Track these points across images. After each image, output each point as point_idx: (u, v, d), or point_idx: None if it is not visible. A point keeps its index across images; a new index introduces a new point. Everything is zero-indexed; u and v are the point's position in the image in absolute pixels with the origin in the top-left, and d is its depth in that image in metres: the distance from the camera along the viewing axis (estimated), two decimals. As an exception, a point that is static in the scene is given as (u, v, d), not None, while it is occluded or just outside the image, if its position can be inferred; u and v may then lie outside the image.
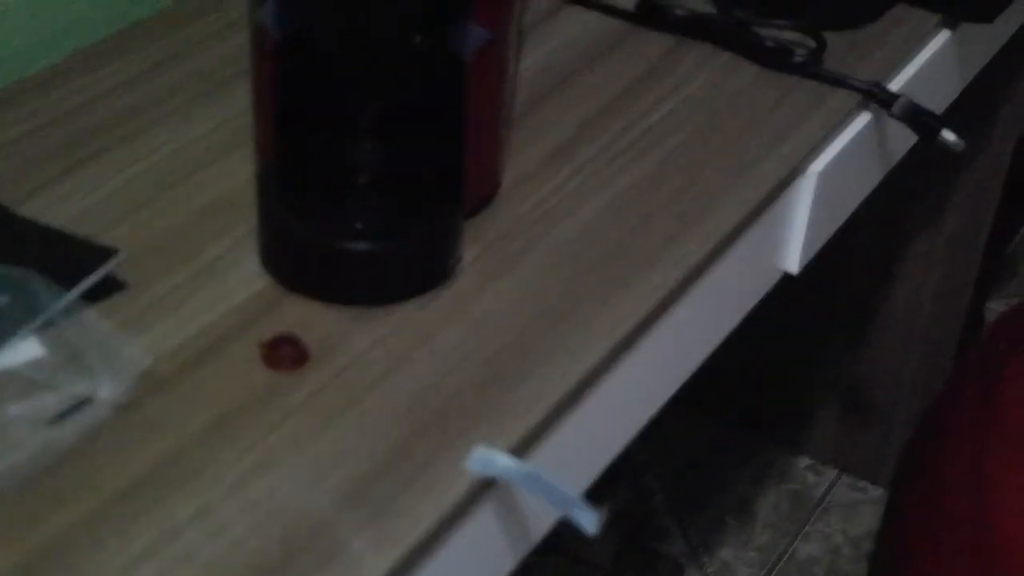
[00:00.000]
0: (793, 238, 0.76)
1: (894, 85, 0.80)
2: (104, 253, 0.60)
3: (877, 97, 0.77)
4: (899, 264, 1.35)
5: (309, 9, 0.60)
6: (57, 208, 0.65)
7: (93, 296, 0.58)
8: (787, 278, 0.78)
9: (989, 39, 0.92)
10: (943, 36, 0.84)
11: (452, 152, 0.64)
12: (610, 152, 0.72)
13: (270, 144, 0.64)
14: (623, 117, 0.74)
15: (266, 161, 0.64)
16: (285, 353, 0.57)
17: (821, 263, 0.90)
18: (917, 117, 0.76)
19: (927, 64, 0.82)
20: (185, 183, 0.67)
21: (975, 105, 1.16)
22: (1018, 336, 1.17)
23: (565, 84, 0.77)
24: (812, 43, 0.79)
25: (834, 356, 1.44)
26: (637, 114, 0.75)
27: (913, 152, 0.85)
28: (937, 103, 0.87)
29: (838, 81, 0.77)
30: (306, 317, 0.60)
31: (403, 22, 0.60)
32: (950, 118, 0.89)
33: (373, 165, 0.63)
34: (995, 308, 1.72)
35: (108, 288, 0.59)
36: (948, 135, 0.75)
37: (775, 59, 0.79)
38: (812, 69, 0.78)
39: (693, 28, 0.81)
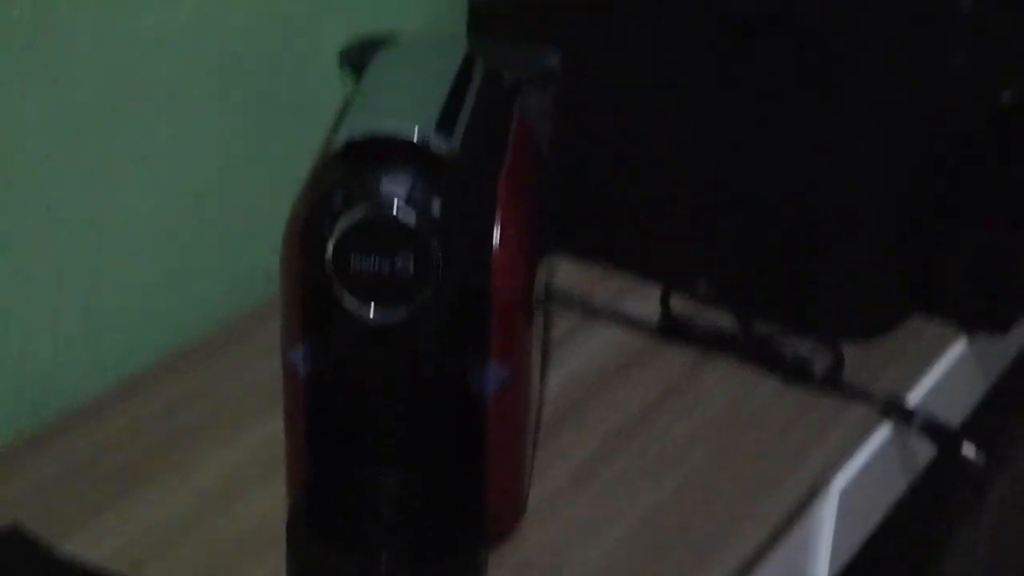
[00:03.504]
0: (819, 553, 0.77)
1: (914, 395, 0.81)
2: (136, 592, 0.62)
3: (896, 412, 0.78)
4: (940, 555, 1.34)
5: (335, 351, 0.64)
6: (99, 542, 0.67)
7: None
8: None
9: (1006, 346, 0.94)
10: (960, 346, 0.86)
11: (475, 485, 0.66)
12: (632, 472, 0.73)
13: (299, 477, 0.66)
14: (645, 434, 0.76)
15: (295, 494, 0.67)
16: None
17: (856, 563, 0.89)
18: (937, 432, 0.77)
19: (946, 374, 0.84)
20: (222, 513, 0.69)
21: (1007, 401, 1.17)
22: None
23: (590, 401, 0.79)
24: (831, 356, 0.81)
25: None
26: (659, 431, 0.77)
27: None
28: (958, 411, 0.88)
29: (857, 394, 0.79)
30: (330, 653, 0.61)
31: (423, 365, 0.64)
32: (979, 419, 0.90)
33: (397, 499, 0.65)
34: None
35: (139, 628, 0.61)
36: (968, 450, 0.76)
37: (795, 373, 0.81)
38: (832, 383, 0.80)
39: (715, 342, 0.84)
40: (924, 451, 0.82)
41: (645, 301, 0.87)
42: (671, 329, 0.85)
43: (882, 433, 0.79)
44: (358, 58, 0.71)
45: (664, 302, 0.84)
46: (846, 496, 0.76)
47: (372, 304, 0.60)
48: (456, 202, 0.59)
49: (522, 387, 0.66)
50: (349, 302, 0.60)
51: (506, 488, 0.68)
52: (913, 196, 0.84)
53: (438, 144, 0.59)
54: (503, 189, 0.63)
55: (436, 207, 0.58)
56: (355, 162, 0.59)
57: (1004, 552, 1.32)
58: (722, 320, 0.84)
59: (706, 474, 0.73)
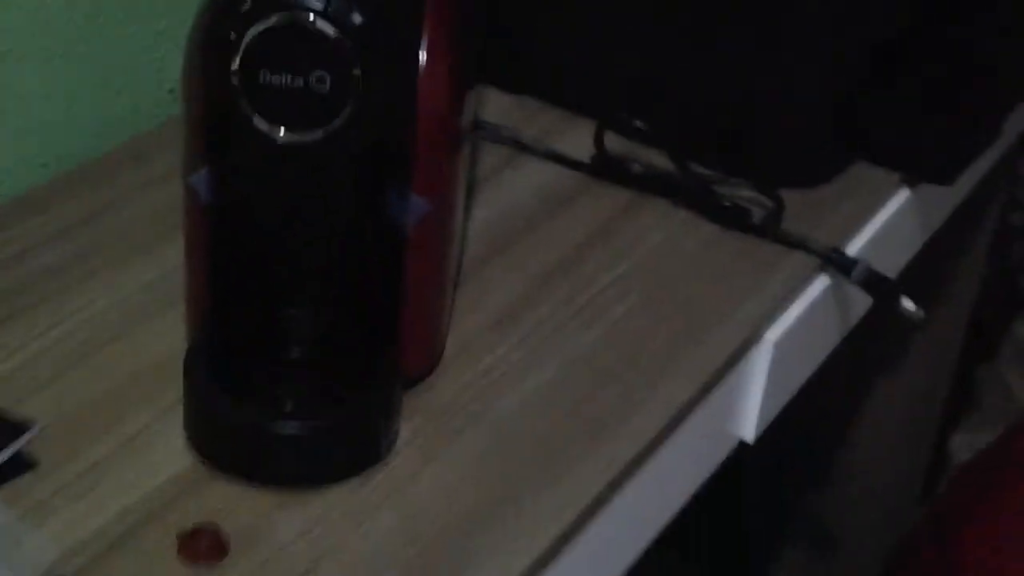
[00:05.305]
0: (749, 407, 0.74)
1: (854, 245, 0.78)
2: (15, 429, 0.57)
3: (835, 262, 0.75)
4: (862, 407, 1.33)
5: (241, 176, 0.58)
6: (-24, 371, 0.62)
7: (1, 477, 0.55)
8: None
9: (947, 197, 0.91)
10: (902, 195, 0.82)
11: (390, 325, 0.61)
12: (558, 317, 0.69)
13: (200, 313, 0.61)
14: (574, 277, 0.72)
15: (195, 330, 0.62)
16: (203, 546, 0.53)
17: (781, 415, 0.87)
18: (876, 284, 0.74)
19: (886, 224, 0.80)
20: (112, 346, 0.65)
21: (937, 252, 1.15)
22: (972, 491, 1.16)
23: (515, 240, 0.75)
24: (770, 203, 0.77)
25: (800, 505, 1.42)
26: (588, 275, 0.73)
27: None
28: (896, 261, 0.86)
29: (796, 243, 0.76)
30: (230, 501, 0.57)
31: (338, 195, 0.58)
32: (910, 271, 0.88)
33: (306, 338, 0.60)
34: (960, 440, 1.70)
35: (17, 467, 0.56)
36: (907, 303, 0.73)
37: (733, 219, 0.77)
38: (770, 231, 0.76)
39: (650, 184, 0.79)
40: (861, 303, 0.79)
41: (578, 139, 0.82)
42: (604, 168, 0.80)
43: (820, 284, 0.76)
44: None
45: (598, 140, 0.79)
46: (780, 347, 0.72)
47: (283, 124, 0.55)
48: (379, 12, 0.53)
49: (444, 222, 0.62)
50: (257, 122, 0.55)
51: (423, 329, 0.63)
52: (856, 48, 0.79)
53: (360, -53, 0.53)
54: (430, 1, 0.58)
55: (357, 17, 0.53)
56: (267, -37, 0.53)
57: (928, 374, 1.32)
58: (658, 162, 0.80)
59: (636, 321, 0.70)
